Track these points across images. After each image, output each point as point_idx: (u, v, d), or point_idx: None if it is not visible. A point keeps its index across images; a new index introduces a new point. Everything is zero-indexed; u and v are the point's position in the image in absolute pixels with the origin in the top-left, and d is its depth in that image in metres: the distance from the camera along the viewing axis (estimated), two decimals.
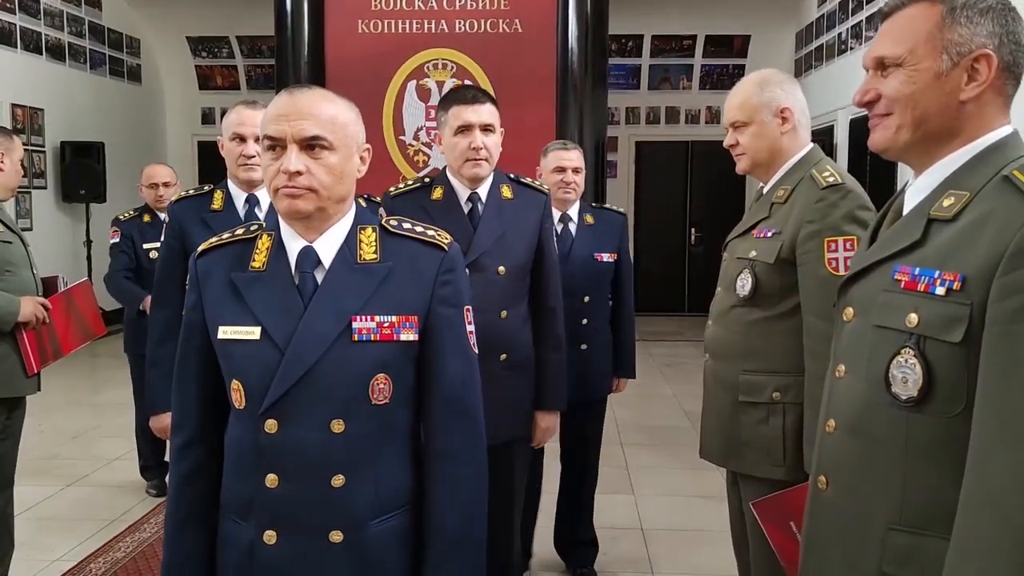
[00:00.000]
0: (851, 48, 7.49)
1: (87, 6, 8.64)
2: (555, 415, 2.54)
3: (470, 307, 1.49)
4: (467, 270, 2.25)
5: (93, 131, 8.37)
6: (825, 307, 1.85)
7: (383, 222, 1.46)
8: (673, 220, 10.02)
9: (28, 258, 2.89)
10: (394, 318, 1.38)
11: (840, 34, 7.77)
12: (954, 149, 1.21)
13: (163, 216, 3.85)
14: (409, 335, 1.39)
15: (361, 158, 1.45)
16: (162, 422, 2.41)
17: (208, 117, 10.12)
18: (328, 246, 1.41)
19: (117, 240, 4.07)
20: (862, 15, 7.20)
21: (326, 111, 1.37)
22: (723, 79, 9.80)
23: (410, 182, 2.49)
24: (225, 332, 1.39)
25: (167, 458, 3.84)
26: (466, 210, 2.37)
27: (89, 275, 7.59)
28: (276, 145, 1.36)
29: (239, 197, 2.44)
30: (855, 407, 1.26)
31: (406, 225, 1.47)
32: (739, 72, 9.70)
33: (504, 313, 2.35)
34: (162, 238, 2.46)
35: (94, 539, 3.61)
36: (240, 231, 1.48)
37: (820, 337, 1.87)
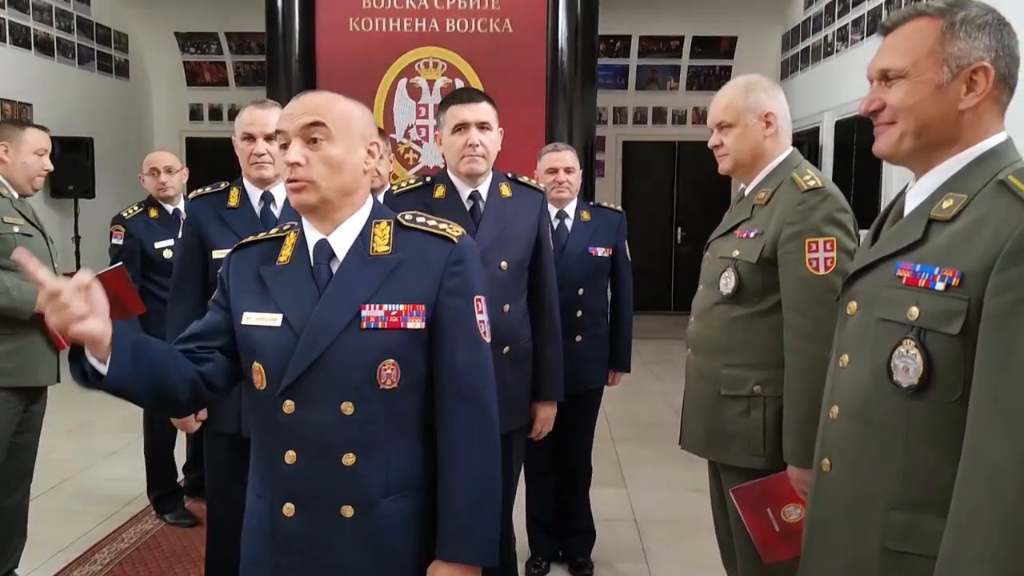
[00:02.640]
0: (837, 51, 7.61)
1: (76, 1, 8.61)
2: (553, 405, 2.63)
3: (482, 297, 1.55)
4: None
5: (82, 126, 8.35)
6: (804, 305, 1.96)
7: (398, 216, 1.54)
8: (660, 219, 10.13)
9: (49, 253, 2.92)
10: (402, 306, 1.45)
11: (826, 37, 7.89)
12: (953, 154, 1.31)
13: (170, 208, 3.73)
14: (416, 323, 1.46)
15: (369, 151, 1.51)
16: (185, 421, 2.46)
17: (196, 113, 10.10)
18: (343, 239, 1.50)
19: (120, 242, 3.65)
20: (848, 18, 7.32)
21: (328, 105, 1.48)
22: (710, 80, 9.89)
23: (412, 181, 2.56)
24: (249, 318, 1.49)
25: (181, 479, 3.88)
26: (468, 207, 2.44)
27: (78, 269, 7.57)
28: (285, 142, 1.47)
29: (254, 194, 2.50)
30: (858, 395, 1.35)
31: (419, 219, 1.55)
32: (726, 73, 9.80)
33: (506, 307, 2.42)
34: (179, 235, 2.51)
35: (97, 530, 3.66)
36: (274, 231, 1.60)
37: (799, 333, 1.96)
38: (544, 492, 3.36)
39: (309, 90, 1.52)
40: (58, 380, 2.96)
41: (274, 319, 1.46)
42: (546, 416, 2.62)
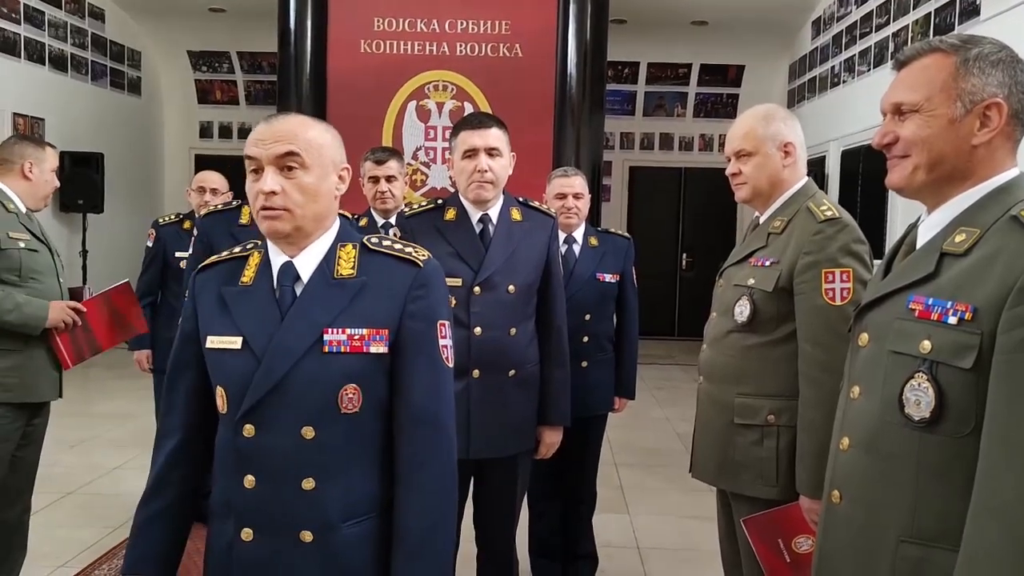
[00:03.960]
0: (843, 81, 7.66)
1: (91, 18, 8.70)
2: (559, 430, 2.62)
3: (446, 322, 1.54)
4: (477, 288, 2.36)
5: (93, 142, 8.41)
6: (820, 335, 1.94)
7: (364, 240, 1.53)
8: (665, 245, 10.14)
9: (55, 267, 2.94)
10: (364, 331, 1.44)
11: (833, 67, 7.94)
12: (965, 189, 1.31)
13: None
14: (379, 347, 1.45)
15: (340, 177, 1.52)
16: None
17: (206, 131, 10.18)
18: (308, 262, 1.49)
19: (151, 244, 3.88)
20: (855, 50, 7.37)
21: (300, 133, 1.46)
22: (717, 108, 9.96)
23: (424, 203, 2.58)
24: (212, 342, 1.48)
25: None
26: (478, 231, 2.46)
27: (84, 283, 7.60)
28: (256, 168, 1.45)
29: None
30: (869, 427, 1.35)
31: (385, 242, 1.54)
32: (732, 101, 9.86)
33: (513, 330, 2.43)
34: (190, 250, 2.52)
35: (97, 547, 3.64)
36: (237, 249, 1.58)
37: (814, 363, 1.95)
38: (548, 516, 3.35)
39: (280, 114, 1.50)
40: (60, 395, 2.97)
41: (234, 342, 1.45)
42: (552, 441, 2.61)
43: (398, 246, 1.53)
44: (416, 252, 1.52)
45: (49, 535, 3.70)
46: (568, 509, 3.37)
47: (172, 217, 3.95)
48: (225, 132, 10.15)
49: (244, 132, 9.87)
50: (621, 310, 3.39)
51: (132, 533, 1.54)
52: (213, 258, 1.58)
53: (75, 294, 3.05)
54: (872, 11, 7.01)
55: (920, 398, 1.25)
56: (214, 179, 3.98)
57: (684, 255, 10.21)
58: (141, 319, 3.10)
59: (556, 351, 2.57)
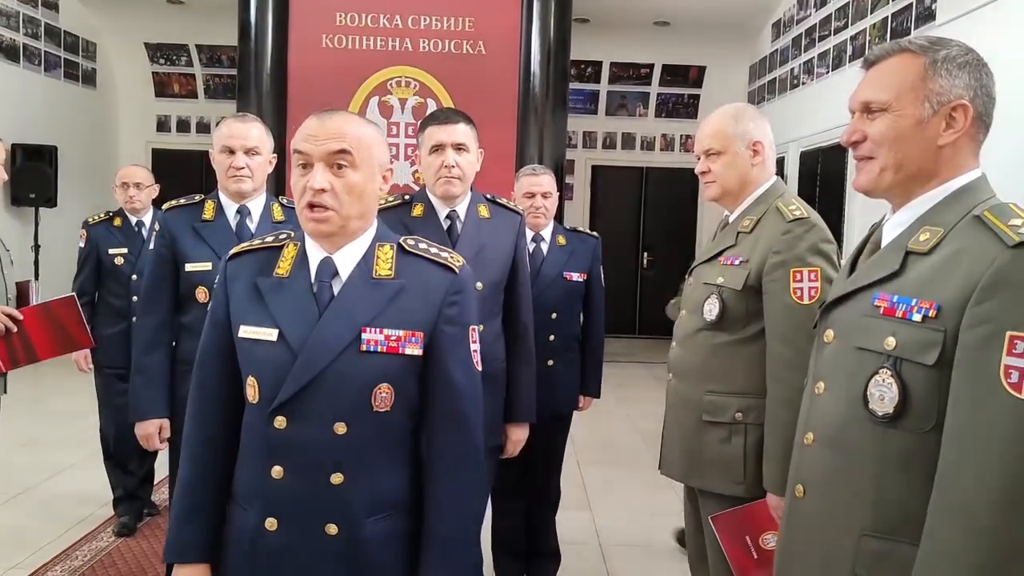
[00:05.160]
0: (803, 83, 7.77)
1: (44, 8, 8.50)
2: (525, 427, 2.63)
3: (476, 327, 1.57)
4: None
5: (46, 134, 8.22)
6: (788, 334, 1.96)
7: (401, 241, 1.55)
8: (626, 243, 10.18)
9: (0, 261, 2.87)
10: (401, 333, 1.47)
11: (792, 69, 8.04)
12: (930, 188, 1.34)
13: (134, 220, 3.85)
14: (414, 350, 1.48)
15: (384, 177, 1.54)
16: (146, 429, 2.41)
17: (164, 125, 9.99)
18: (347, 259, 1.50)
19: (83, 245, 3.83)
20: (813, 52, 7.48)
21: (352, 131, 1.47)
22: (678, 108, 10.03)
23: (391, 199, 2.56)
24: (246, 331, 1.49)
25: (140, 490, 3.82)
26: (445, 227, 2.45)
27: (36, 279, 7.42)
28: (305, 163, 1.47)
29: (230, 207, 2.47)
30: (834, 422, 1.36)
31: (422, 245, 1.56)
32: (694, 101, 9.95)
33: (480, 327, 2.42)
34: (150, 246, 2.48)
35: (50, 547, 3.56)
36: (270, 239, 1.58)
37: (782, 362, 1.97)
38: (513, 514, 3.35)
39: (331, 111, 1.50)
40: (5, 391, 2.90)
41: (270, 334, 1.46)
42: (518, 438, 2.61)
43: (434, 250, 1.56)
44: (451, 257, 1.56)
45: (0, 536, 3.62)
46: (532, 506, 3.37)
47: (101, 216, 3.89)
48: (183, 126, 9.97)
49: (202, 126, 9.72)
50: (588, 309, 3.40)
51: (172, 524, 1.55)
52: (244, 245, 1.58)
53: (21, 289, 2.97)
54: (831, 14, 7.12)
55: (884, 393, 1.27)
56: (138, 173, 3.93)
57: (645, 254, 10.26)
58: (86, 334, 2.99)
59: (522, 349, 2.57)
